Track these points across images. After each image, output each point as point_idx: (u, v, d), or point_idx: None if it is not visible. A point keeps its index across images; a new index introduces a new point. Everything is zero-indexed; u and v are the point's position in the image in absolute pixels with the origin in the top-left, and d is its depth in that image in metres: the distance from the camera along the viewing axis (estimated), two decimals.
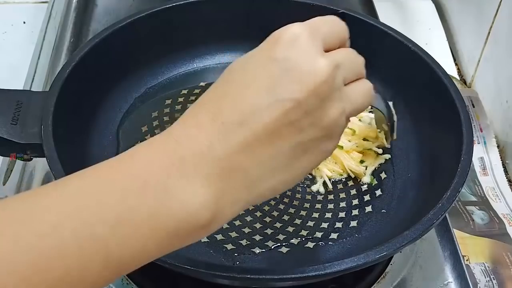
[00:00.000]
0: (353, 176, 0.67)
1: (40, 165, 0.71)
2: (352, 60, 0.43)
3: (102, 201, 0.37)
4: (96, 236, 0.36)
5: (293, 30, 0.40)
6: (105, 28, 0.69)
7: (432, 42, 1.00)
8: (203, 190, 0.38)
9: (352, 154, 0.68)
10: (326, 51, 0.41)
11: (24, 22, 1.04)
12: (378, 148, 0.69)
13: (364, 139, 0.69)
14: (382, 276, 0.62)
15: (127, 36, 0.70)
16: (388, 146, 0.69)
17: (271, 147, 0.39)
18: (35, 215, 0.35)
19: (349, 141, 0.68)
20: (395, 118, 0.62)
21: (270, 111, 0.39)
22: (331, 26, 0.43)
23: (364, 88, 0.44)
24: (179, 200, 0.38)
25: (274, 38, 0.40)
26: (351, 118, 0.69)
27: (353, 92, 0.43)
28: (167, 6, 0.72)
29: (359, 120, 0.71)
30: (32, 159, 0.60)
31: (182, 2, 0.73)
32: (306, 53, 0.39)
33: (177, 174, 0.38)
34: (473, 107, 0.90)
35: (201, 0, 0.74)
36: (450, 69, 0.98)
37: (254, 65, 0.40)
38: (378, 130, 0.69)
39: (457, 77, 0.98)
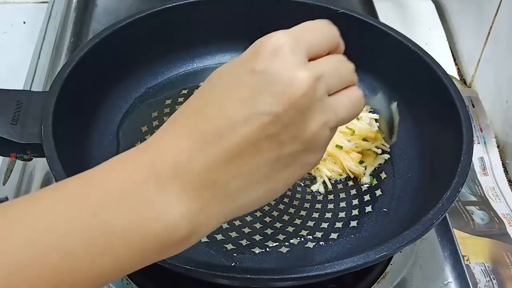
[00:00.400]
0: (352, 176, 0.67)
1: (40, 165, 0.71)
2: (339, 68, 0.42)
3: (75, 217, 0.36)
4: (67, 250, 0.35)
5: (275, 40, 0.39)
6: (105, 28, 0.69)
7: (432, 42, 1.00)
8: (180, 204, 0.38)
9: (352, 155, 0.68)
10: (313, 59, 0.40)
11: (24, 22, 1.04)
12: (377, 148, 0.69)
13: (364, 139, 0.69)
14: (382, 276, 0.62)
15: (127, 36, 0.70)
16: (388, 146, 0.69)
17: (250, 161, 0.38)
18: (4, 231, 0.35)
19: (348, 141, 0.68)
20: (396, 120, 0.60)
21: (247, 124, 0.38)
22: (318, 32, 0.41)
23: (352, 97, 0.42)
24: (155, 214, 0.37)
25: (256, 48, 0.39)
26: None
27: (338, 102, 0.41)
28: (167, 6, 0.72)
29: (357, 119, 0.70)
30: (32, 159, 0.61)
31: (182, 2, 0.73)
32: (286, 65, 0.38)
33: (154, 188, 0.37)
34: (473, 107, 0.90)
35: (201, 0, 0.74)
36: (450, 69, 0.98)
37: (235, 76, 0.39)
38: (378, 131, 0.69)
39: (457, 77, 0.98)
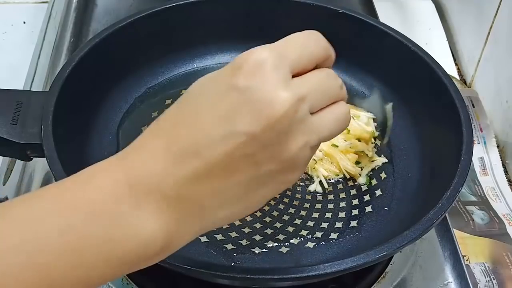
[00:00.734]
0: (348, 176, 0.67)
1: (40, 165, 0.71)
2: (324, 84, 0.40)
3: (48, 229, 0.36)
4: (40, 265, 0.35)
5: (258, 56, 0.37)
6: (105, 28, 0.69)
7: (432, 42, 1.00)
8: (155, 220, 0.38)
9: (348, 155, 0.68)
10: (299, 73, 0.39)
11: (24, 22, 1.04)
12: (369, 151, 0.68)
13: (359, 140, 0.69)
14: (382, 276, 0.62)
15: (127, 36, 0.70)
16: (382, 145, 0.69)
17: (226, 179, 0.38)
18: None
19: (344, 140, 0.68)
20: (389, 122, 0.58)
21: (224, 143, 0.37)
22: (304, 46, 0.40)
23: (337, 115, 0.41)
24: (129, 228, 0.37)
25: (238, 63, 0.38)
26: None
27: (322, 120, 0.40)
28: (167, 6, 0.72)
29: (353, 118, 0.70)
30: (32, 159, 0.60)
31: (182, 2, 0.73)
32: (268, 83, 0.37)
33: (128, 202, 0.37)
34: (473, 107, 0.90)
35: (201, 0, 0.74)
36: (450, 69, 0.98)
37: (215, 91, 0.38)
38: (372, 132, 0.69)
39: (457, 77, 0.98)
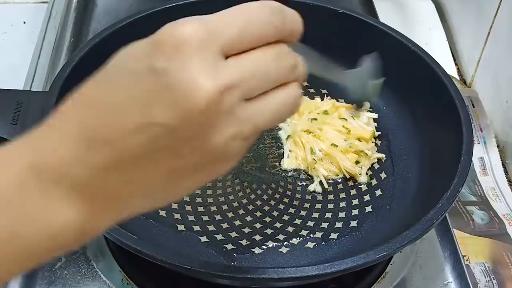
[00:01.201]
0: (348, 176, 0.67)
1: None
2: (268, 66, 0.34)
3: None
4: None
5: (182, 33, 0.32)
6: (105, 28, 0.69)
7: (432, 42, 1.00)
8: (65, 208, 0.34)
9: (348, 155, 0.68)
10: (239, 52, 0.33)
11: (24, 22, 1.04)
12: (369, 150, 0.68)
13: (359, 140, 0.69)
14: (382, 276, 0.62)
15: (127, 36, 0.69)
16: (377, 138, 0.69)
17: (142, 170, 0.34)
18: None
19: (344, 140, 0.68)
20: (374, 97, 0.49)
21: (138, 134, 0.32)
22: (249, 22, 0.33)
23: (282, 99, 0.35)
24: (37, 220, 0.34)
25: (159, 39, 0.33)
26: (347, 116, 0.70)
27: (260, 108, 0.34)
28: (167, 6, 0.72)
29: (352, 118, 0.70)
30: None
31: (182, 2, 0.73)
32: (189, 67, 0.31)
33: (35, 191, 0.34)
34: (473, 107, 0.90)
35: (201, 0, 0.74)
36: (450, 69, 0.98)
37: (132, 70, 0.33)
38: (373, 132, 0.69)
39: (457, 77, 0.98)
